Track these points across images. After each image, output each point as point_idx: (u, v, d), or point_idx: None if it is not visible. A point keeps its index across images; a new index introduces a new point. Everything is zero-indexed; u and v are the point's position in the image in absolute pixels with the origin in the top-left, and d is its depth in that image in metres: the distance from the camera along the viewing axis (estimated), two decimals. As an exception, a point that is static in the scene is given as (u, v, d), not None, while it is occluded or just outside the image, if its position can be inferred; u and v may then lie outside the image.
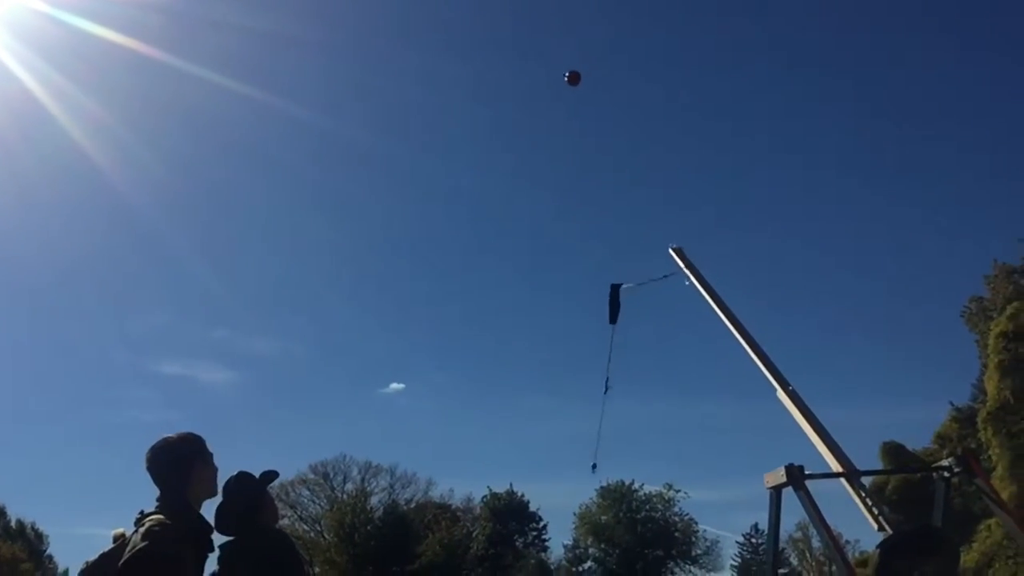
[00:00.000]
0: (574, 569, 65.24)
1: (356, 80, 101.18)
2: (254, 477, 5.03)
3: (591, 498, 64.18)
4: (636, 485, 63.65)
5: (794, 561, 64.87)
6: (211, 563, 4.41)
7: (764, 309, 77.94)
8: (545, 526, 66.68)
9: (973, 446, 30.97)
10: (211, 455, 4.41)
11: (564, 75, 11.35)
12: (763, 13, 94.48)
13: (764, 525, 11.42)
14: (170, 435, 4.34)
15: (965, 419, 36.34)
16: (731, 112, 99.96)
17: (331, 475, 64.68)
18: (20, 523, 57.01)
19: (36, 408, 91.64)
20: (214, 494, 4.47)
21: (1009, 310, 31.91)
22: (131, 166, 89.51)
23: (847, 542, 42.84)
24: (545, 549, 66.95)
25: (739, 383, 59.28)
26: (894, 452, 37.40)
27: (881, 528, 8.14)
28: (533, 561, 64.82)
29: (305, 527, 63.61)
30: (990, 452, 30.15)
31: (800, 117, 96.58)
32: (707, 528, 66.11)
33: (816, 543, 59.08)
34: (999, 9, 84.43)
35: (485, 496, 66.01)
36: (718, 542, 66.41)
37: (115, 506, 56.87)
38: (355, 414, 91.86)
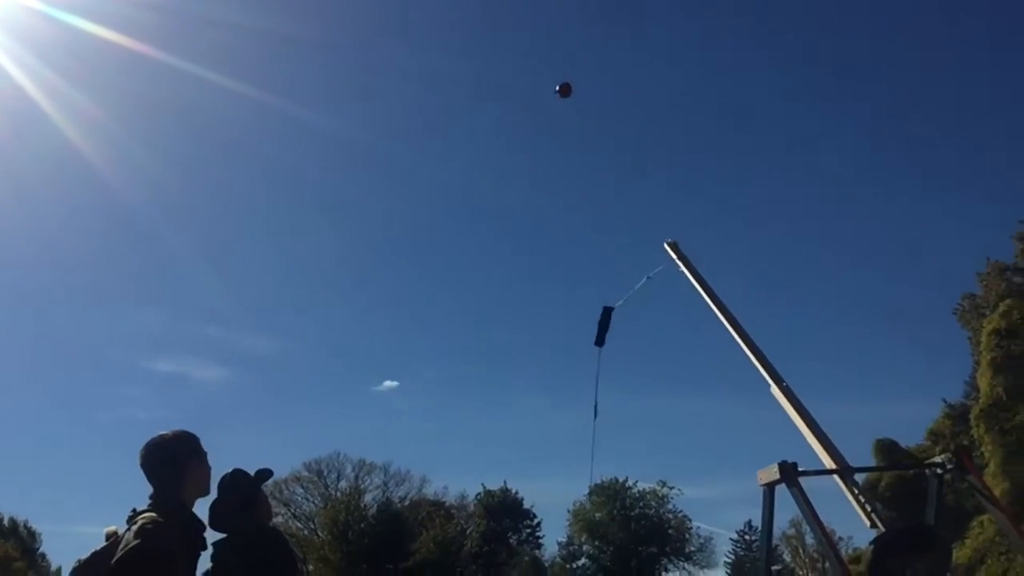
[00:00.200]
0: (568, 566, 65.22)
1: (352, 77, 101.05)
2: (249, 475, 5.03)
3: (585, 495, 64.32)
4: (630, 482, 63.81)
5: (787, 558, 65.06)
6: (204, 561, 4.41)
7: (758, 305, 78.14)
8: (539, 523, 66.77)
9: (966, 443, 31.10)
10: (205, 454, 4.40)
11: (555, 88, 11.32)
12: (760, 10, 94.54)
13: (758, 522, 11.38)
14: (165, 432, 4.32)
15: (958, 416, 36.47)
16: (729, 109, 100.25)
17: (325, 473, 64.75)
18: (13, 521, 56.85)
19: (30, 406, 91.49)
20: (207, 493, 4.46)
21: (1002, 307, 32.03)
22: (125, 164, 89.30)
23: (840, 539, 42.94)
24: (539, 546, 67.06)
25: (733, 380, 59.56)
26: (887, 449, 37.51)
27: (874, 525, 8.15)
28: (527, 558, 64.84)
29: (299, 525, 63.59)
30: (983, 449, 30.27)
31: (796, 115, 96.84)
32: (701, 525, 66.26)
33: (809, 540, 59.25)
34: (997, 8, 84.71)
35: (479, 493, 66.09)
36: (712, 539, 66.58)
37: (108, 504, 56.83)
38: (349, 412, 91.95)
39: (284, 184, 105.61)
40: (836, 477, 8.71)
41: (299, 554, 55.69)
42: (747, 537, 71.97)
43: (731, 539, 74.13)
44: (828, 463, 8.77)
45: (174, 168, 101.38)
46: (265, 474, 5.09)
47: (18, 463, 79.64)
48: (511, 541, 65.40)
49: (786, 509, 8.18)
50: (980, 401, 31.69)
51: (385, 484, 65.13)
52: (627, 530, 61.70)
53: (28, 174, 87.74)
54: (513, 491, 66.18)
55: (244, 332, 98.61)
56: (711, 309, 11.32)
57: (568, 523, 64.96)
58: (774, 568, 44.47)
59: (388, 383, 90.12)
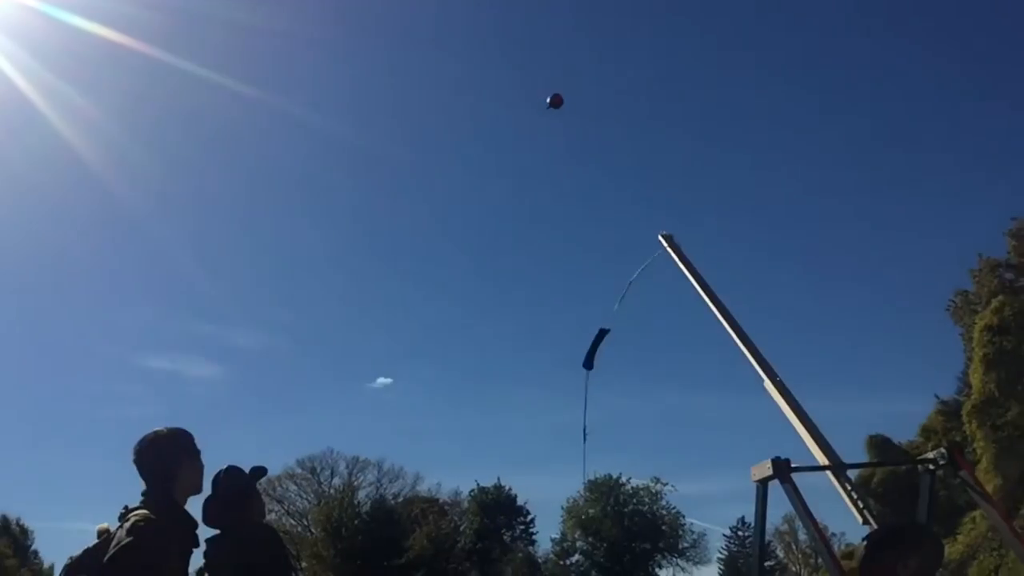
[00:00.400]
0: (561, 563, 65.30)
1: (345, 75, 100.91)
2: (243, 472, 5.03)
3: (579, 492, 64.39)
4: (623, 479, 63.94)
5: (780, 554, 65.28)
6: (197, 558, 4.40)
7: (751, 302, 78.13)
8: (533, 520, 66.78)
9: (958, 439, 31.26)
10: (198, 451, 4.40)
11: (547, 99, 11.28)
12: (752, 12, 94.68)
13: (751, 518, 11.34)
14: (159, 429, 4.32)
15: (950, 412, 36.66)
16: (722, 111, 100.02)
17: (318, 470, 64.64)
18: (5, 518, 56.77)
19: (22, 403, 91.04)
20: (200, 490, 4.46)
21: (994, 304, 32.18)
22: (119, 162, 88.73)
23: (833, 535, 43.09)
24: (533, 543, 67.07)
25: (726, 375, 59.69)
26: (880, 445, 37.71)
27: (866, 521, 8.15)
28: (521, 555, 64.88)
29: (292, 522, 63.52)
30: (975, 445, 30.43)
31: (789, 114, 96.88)
32: (694, 521, 66.46)
33: (802, 536, 59.45)
34: (977, 10, 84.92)
35: (473, 490, 66.05)
36: (705, 535, 66.67)
37: (101, 501, 56.71)
38: (342, 408, 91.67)
39: (278, 181, 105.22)
40: (829, 473, 8.70)
41: (292, 551, 55.70)
42: (740, 533, 72.11)
43: (724, 535, 74.24)
44: (821, 459, 8.76)
45: (167, 165, 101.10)
46: (259, 472, 5.08)
47: (10, 460, 79.33)
48: (505, 538, 65.44)
49: (779, 505, 8.18)
50: (972, 397, 31.85)
51: (379, 481, 65.12)
52: (620, 526, 61.81)
53: (23, 173, 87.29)
54: (507, 488, 66.25)
55: (237, 329, 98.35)
56: (705, 303, 11.28)
57: (562, 520, 65.16)
58: (767, 564, 44.57)
59: (382, 380, 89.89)
